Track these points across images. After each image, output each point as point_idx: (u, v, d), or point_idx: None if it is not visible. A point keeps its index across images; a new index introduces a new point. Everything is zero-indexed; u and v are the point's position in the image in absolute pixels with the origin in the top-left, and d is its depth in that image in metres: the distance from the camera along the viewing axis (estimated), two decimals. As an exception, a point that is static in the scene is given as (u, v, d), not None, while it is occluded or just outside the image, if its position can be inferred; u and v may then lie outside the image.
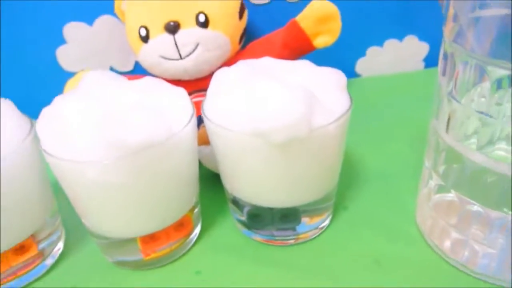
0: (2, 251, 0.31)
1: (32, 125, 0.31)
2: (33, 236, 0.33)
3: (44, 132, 0.29)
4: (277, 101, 0.27)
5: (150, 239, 0.32)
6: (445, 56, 0.28)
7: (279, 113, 0.27)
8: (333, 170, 0.33)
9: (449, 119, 0.29)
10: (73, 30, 0.51)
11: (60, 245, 0.36)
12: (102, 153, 0.26)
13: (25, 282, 0.33)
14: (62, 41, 0.51)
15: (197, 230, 0.35)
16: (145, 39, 0.42)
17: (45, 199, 0.33)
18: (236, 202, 0.34)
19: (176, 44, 0.42)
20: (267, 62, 0.33)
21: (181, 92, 0.31)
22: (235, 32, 0.44)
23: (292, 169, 0.30)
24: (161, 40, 0.42)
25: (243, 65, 0.32)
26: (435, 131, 0.30)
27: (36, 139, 0.31)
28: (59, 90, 0.45)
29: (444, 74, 0.29)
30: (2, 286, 0.33)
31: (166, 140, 0.27)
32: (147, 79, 0.32)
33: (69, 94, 0.31)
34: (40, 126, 0.29)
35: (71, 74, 0.52)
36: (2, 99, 0.32)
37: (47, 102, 0.30)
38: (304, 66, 0.33)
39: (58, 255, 0.35)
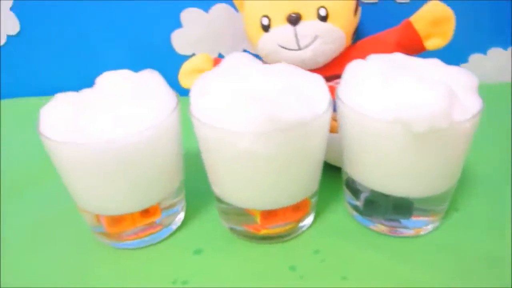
0: (131, 211, 0.34)
1: (178, 97, 0.34)
2: (159, 202, 0.35)
3: (196, 105, 0.31)
4: (422, 93, 0.29)
5: (269, 214, 0.35)
6: None
7: (425, 104, 0.28)
8: (456, 168, 0.34)
9: None
10: (190, 15, 0.54)
11: (182, 215, 0.38)
12: (253, 126, 0.28)
13: (146, 243, 0.36)
14: (178, 25, 0.54)
15: (312, 216, 0.37)
16: (266, 28, 0.44)
17: (177, 169, 0.36)
18: (354, 188, 0.35)
19: (296, 35, 0.43)
20: (400, 57, 0.34)
21: (318, 78, 0.33)
22: (350, 27, 0.46)
23: (422, 159, 0.31)
24: (282, 31, 0.44)
25: (377, 58, 0.34)
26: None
27: (179, 112, 0.34)
28: (172, 71, 0.48)
29: None
30: (123, 242, 0.36)
31: (312, 120, 0.29)
32: (283, 64, 0.35)
33: (214, 73, 0.33)
34: (192, 100, 0.32)
35: (183, 57, 0.55)
36: (150, 70, 0.35)
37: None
38: (435, 63, 0.34)
39: (180, 223, 0.38)
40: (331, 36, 0.44)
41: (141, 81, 0.33)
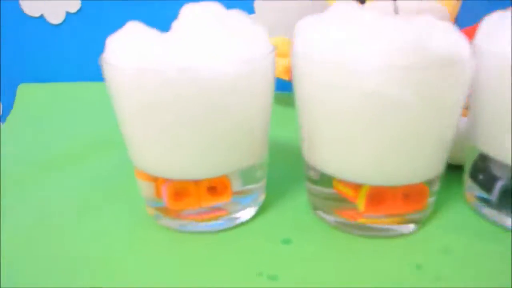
0: (197, 177, 0.27)
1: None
2: (231, 178, 0.28)
3: (300, 41, 0.26)
4: None
5: (374, 199, 0.27)
6: None
7: None
8: None
9: None
10: (264, 1, 0.49)
11: (253, 210, 0.30)
12: (389, 58, 0.22)
13: (217, 227, 0.29)
14: (250, 11, 0.50)
15: (428, 209, 0.29)
16: (361, 1, 0.39)
17: (261, 137, 0.29)
18: (487, 175, 0.28)
19: (396, 10, 0.38)
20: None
21: (450, 25, 0.26)
22: (454, 11, 0.40)
23: None
24: (380, 4, 0.38)
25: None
26: None
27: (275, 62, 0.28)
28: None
29: None
30: (187, 224, 0.29)
31: (458, 62, 0.22)
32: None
33: (322, 16, 0.27)
34: (296, 36, 0.26)
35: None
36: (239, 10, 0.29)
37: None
38: None
39: (249, 216, 0.30)
40: (435, 15, 0.38)
41: (232, 17, 0.28)
